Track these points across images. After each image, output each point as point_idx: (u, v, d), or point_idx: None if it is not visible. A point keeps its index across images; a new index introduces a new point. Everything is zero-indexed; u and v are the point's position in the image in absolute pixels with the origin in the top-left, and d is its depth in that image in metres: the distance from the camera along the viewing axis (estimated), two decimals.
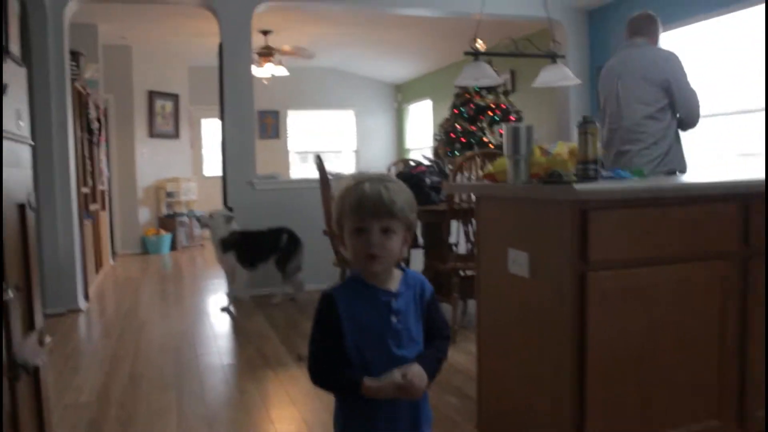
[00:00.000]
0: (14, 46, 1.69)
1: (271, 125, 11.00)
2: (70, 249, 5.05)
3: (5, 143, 1.41)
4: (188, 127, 9.78)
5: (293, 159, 11.30)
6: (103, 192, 7.15)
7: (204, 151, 10.68)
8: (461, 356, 3.44)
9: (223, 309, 5.03)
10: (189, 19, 6.92)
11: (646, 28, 3.44)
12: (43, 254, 4.83)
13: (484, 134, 6.86)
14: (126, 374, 3.46)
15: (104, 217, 7.13)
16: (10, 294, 1.31)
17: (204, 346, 4.04)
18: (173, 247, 8.82)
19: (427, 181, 4.31)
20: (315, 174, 4.60)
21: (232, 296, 5.15)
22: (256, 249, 5.13)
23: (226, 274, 5.23)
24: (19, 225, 1.48)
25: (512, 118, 6.93)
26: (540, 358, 2.11)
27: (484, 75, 4.57)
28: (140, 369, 3.56)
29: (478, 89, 6.93)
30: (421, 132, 10.93)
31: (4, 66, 1.42)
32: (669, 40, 4.84)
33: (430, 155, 7.60)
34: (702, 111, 3.40)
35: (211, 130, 10.17)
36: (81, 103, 5.94)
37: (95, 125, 6.50)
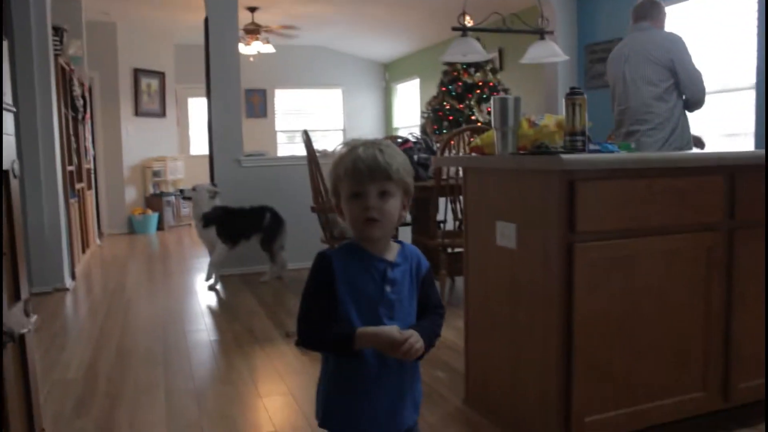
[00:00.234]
0: None
1: (258, 104, 10.93)
2: (56, 227, 5.00)
3: None
4: (174, 105, 9.69)
5: (280, 138, 11.24)
6: (88, 170, 7.08)
7: (191, 131, 10.60)
8: (450, 332, 3.46)
9: (211, 288, 5.02)
10: None
11: (650, 13, 3.56)
12: (28, 232, 4.79)
13: (472, 112, 6.85)
14: (113, 351, 3.45)
15: (90, 196, 7.06)
16: None
17: (191, 323, 4.04)
18: (160, 226, 8.78)
19: (415, 157, 4.30)
20: (302, 152, 4.58)
21: (215, 272, 5.08)
22: (237, 226, 5.09)
23: (208, 250, 5.21)
24: (3, 191, 1.46)
25: None
26: (527, 331, 2.12)
27: (472, 50, 4.54)
28: (128, 345, 3.55)
29: (465, 66, 6.90)
30: (409, 111, 10.90)
31: None
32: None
33: (418, 134, 7.58)
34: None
35: (198, 109, 10.09)
36: (65, 79, 5.86)
37: (80, 102, 6.42)
